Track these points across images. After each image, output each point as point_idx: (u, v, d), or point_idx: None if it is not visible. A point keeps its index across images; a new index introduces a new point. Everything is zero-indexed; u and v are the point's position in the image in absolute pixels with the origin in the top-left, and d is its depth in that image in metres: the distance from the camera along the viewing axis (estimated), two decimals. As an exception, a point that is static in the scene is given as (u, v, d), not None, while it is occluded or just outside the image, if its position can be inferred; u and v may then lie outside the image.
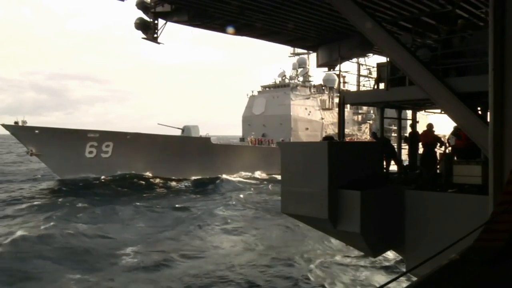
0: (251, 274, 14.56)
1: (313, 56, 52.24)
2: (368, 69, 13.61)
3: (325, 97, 51.70)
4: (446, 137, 13.00)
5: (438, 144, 12.01)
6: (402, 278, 10.58)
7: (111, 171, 34.82)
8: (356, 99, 13.56)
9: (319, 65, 18.68)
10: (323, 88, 52.19)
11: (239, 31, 15.51)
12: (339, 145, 11.01)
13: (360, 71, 13.38)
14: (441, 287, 3.56)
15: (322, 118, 50.10)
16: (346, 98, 12.69)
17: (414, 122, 14.17)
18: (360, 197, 8.47)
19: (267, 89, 52.39)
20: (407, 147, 13.15)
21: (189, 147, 38.32)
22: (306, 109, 49.07)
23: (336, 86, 52.12)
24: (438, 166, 11.26)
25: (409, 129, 13.88)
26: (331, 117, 51.01)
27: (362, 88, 13.18)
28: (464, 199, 8.83)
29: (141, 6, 14.32)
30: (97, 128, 35.01)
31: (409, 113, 16.20)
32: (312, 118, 49.39)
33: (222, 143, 44.87)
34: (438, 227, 8.82)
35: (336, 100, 52.04)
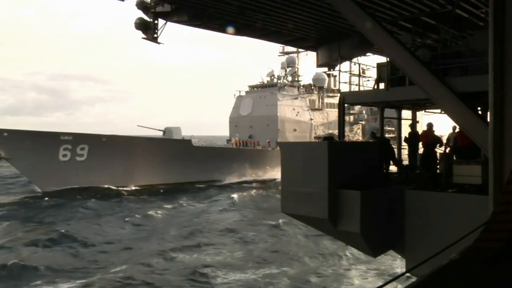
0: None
1: (302, 55, 51.08)
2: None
3: (314, 97, 50.33)
4: (445, 137, 13.02)
5: (438, 144, 12.01)
6: (402, 278, 10.59)
7: (88, 175, 33.49)
8: (356, 99, 13.56)
9: (319, 65, 18.68)
10: (312, 88, 50.96)
11: (239, 31, 15.51)
12: (339, 145, 11.01)
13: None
14: (441, 287, 3.56)
15: (311, 119, 48.84)
16: (346, 98, 12.69)
17: (414, 122, 14.17)
18: (360, 197, 8.47)
19: (255, 89, 50.99)
20: (407, 147, 13.14)
21: (168, 150, 36.98)
22: (294, 109, 47.72)
23: (326, 85, 51.14)
24: (438, 166, 11.26)
25: (405, 130, 13.86)
26: (321, 117, 49.90)
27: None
28: (464, 199, 8.83)
29: (141, 6, 14.31)
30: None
31: (405, 112, 16.10)
32: (301, 118, 48.08)
33: (205, 145, 43.50)
34: (438, 227, 8.82)
35: (326, 100, 50.80)
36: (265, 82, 50.62)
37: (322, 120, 49.92)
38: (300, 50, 49.71)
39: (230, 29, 15.14)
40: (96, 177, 33.60)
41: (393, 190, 9.84)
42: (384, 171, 11.58)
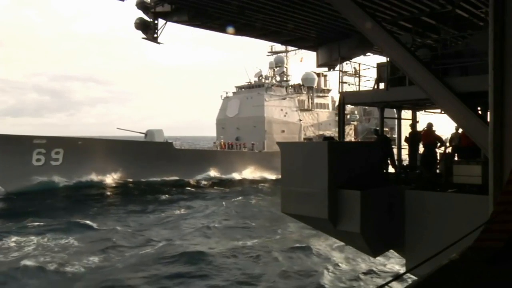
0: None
1: (291, 55, 49.95)
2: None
3: (303, 97, 48.68)
4: (445, 137, 13.00)
5: (438, 144, 12.00)
6: (402, 278, 10.59)
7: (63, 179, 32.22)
8: (356, 99, 13.55)
9: (319, 65, 18.70)
10: (301, 87, 49.35)
11: (239, 31, 15.52)
12: (339, 145, 11.02)
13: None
14: (441, 287, 3.56)
15: (300, 120, 47.21)
16: (346, 98, 12.68)
17: (414, 122, 14.16)
18: (360, 197, 8.48)
19: (242, 89, 49.24)
20: (407, 147, 13.13)
21: (148, 153, 35.59)
22: (282, 110, 46.10)
23: (316, 85, 49.89)
24: (438, 166, 11.26)
25: (404, 130, 13.83)
26: (311, 118, 48.47)
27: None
28: (464, 199, 8.83)
29: (141, 6, 14.33)
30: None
31: (405, 112, 16.05)
32: (289, 119, 46.40)
33: (187, 147, 42.41)
34: (438, 227, 8.82)
35: (316, 100, 49.62)
36: (253, 82, 48.99)
37: (312, 121, 48.48)
38: (289, 49, 48.73)
39: (230, 29, 15.15)
40: (72, 181, 32.61)
41: (393, 190, 9.84)
42: (384, 170, 11.58)
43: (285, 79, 50.76)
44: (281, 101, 46.61)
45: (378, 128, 13.24)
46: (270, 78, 49.73)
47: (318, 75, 49.95)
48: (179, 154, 37.78)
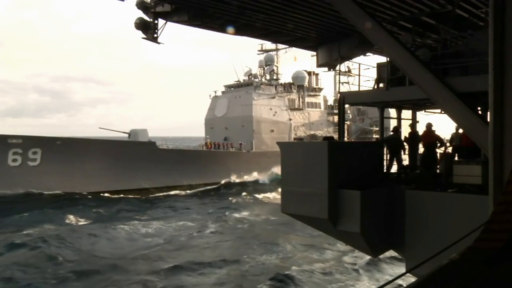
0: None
1: (282, 53, 49.23)
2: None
3: (294, 96, 47.67)
4: (444, 137, 12.99)
5: (438, 144, 11.99)
6: (402, 278, 10.57)
7: (42, 181, 30.62)
8: (356, 99, 13.54)
9: (319, 65, 18.71)
10: (291, 86, 48.32)
11: (239, 31, 15.53)
12: (339, 145, 11.02)
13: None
14: (441, 287, 3.56)
15: (290, 119, 46.25)
16: (346, 98, 12.67)
17: (414, 122, 14.14)
18: (360, 197, 8.48)
19: (231, 89, 48.03)
20: (407, 147, 13.10)
21: (130, 153, 34.37)
22: (271, 109, 45.08)
23: (306, 84, 48.92)
24: (438, 166, 11.26)
25: (404, 129, 13.79)
26: (302, 117, 47.51)
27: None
28: (464, 199, 8.82)
29: (141, 6, 14.35)
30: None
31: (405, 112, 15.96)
32: (278, 119, 45.42)
33: (171, 147, 40.97)
34: (438, 227, 8.82)
35: (307, 99, 48.90)
36: (242, 81, 47.83)
37: (302, 121, 47.56)
38: (279, 47, 48.07)
39: (230, 29, 15.16)
40: (51, 182, 31.41)
41: (393, 190, 9.84)
42: (385, 170, 11.56)
43: (275, 77, 49.68)
44: (270, 100, 45.56)
45: (396, 126, 12.94)
46: (259, 77, 48.63)
47: (309, 73, 49.14)
48: (162, 154, 36.64)
